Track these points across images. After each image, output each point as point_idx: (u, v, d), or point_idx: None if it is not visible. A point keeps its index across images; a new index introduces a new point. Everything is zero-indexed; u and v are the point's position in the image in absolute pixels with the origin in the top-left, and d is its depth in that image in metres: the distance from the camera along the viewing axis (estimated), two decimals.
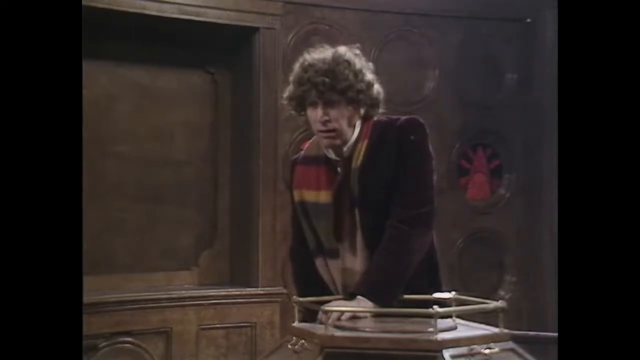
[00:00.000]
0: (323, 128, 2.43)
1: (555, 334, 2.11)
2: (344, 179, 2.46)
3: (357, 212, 2.43)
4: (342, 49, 2.46)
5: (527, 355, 2.09)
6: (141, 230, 4.81)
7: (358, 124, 2.49)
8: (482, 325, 2.17)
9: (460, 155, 5.31)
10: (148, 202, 4.82)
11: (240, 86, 4.93)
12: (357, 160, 2.44)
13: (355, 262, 2.44)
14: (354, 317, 2.23)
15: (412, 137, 2.44)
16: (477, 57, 5.28)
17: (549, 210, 5.11)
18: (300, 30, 4.83)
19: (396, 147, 2.43)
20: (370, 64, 2.51)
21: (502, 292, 5.20)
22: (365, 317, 2.24)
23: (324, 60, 2.42)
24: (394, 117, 2.52)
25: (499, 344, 2.05)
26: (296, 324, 2.24)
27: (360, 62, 2.46)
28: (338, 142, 2.46)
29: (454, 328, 2.12)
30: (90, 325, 4.00)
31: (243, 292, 4.67)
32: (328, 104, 2.41)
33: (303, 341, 2.11)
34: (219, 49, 4.95)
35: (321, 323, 2.15)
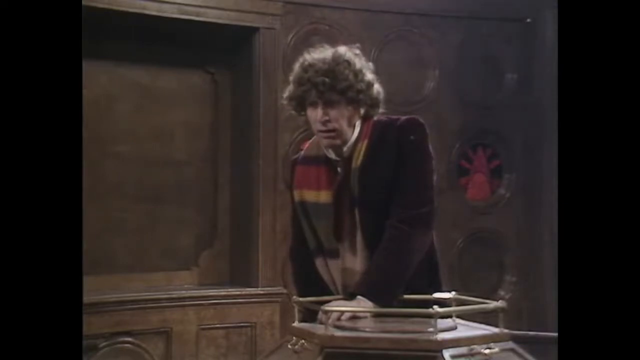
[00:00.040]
0: (323, 128, 2.43)
1: (555, 334, 2.11)
2: (344, 179, 2.46)
3: (357, 212, 2.43)
4: (342, 49, 2.46)
5: (527, 355, 2.09)
6: (141, 230, 4.81)
7: (358, 124, 2.49)
8: (482, 325, 2.17)
9: (460, 155, 5.31)
10: (148, 202, 4.82)
11: (240, 86, 4.93)
12: (357, 160, 2.44)
13: (355, 262, 2.44)
14: (354, 317, 2.23)
15: (412, 137, 2.44)
16: (477, 57, 5.28)
17: (549, 210, 5.11)
18: (300, 30, 4.83)
19: (396, 147, 2.43)
20: (370, 64, 2.51)
21: (502, 292, 5.20)
22: (365, 317, 2.24)
23: (324, 60, 2.42)
24: (394, 117, 2.52)
25: (499, 344, 2.05)
26: (296, 324, 2.24)
27: (360, 62, 2.46)
28: (338, 142, 2.46)
29: (454, 328, 2.12)
30: (90, 325, 4.00)
31: (243, 292, 4.67)
32: (328, 104, 2.41)
33: (303, 341, 2.11)
34: (219, 49, 4.95)
35: (321, 323, 2.15)
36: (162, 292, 4.58)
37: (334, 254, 2.49)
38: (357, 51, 2.49)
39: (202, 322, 4.55)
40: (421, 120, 2.50)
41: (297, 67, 2.47)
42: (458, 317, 2.24)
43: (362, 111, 2.47)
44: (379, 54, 4.92)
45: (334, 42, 2.61)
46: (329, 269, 2.52)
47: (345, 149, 2.47)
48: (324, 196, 2.48)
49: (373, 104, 2.48)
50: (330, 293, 2.49)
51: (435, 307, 2.01)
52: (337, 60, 2.42)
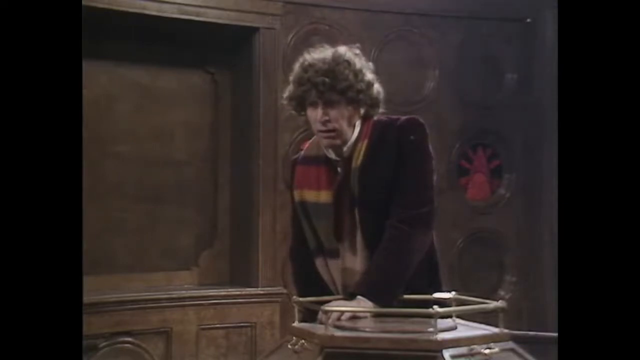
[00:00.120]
0: (323, 128, 2.43)
1: (555, 334, 2.11)
2: (344, 178, 2.46)
3: (357, 212, 2.43)
4: (342, 49, 2.46)
5: (527, 355, 2.09)
6: (141, 230, 4.81)
7: (358, 123, 2.49)
8: (482, 325, 2.17)
9: (460, 155, 5.31)
10: (148, 202, 4.82)
11: (240, 86, 4.93)
12: (357, 160, 2.44)
13: (355, 262, 2.44)
14: (354, 317, 2.23)
15: (412, 137, 2.44)
16: (477, 57, 5.28)
17: (549, 210, 5.11)
18: (300, 30, 4.83)
19: (396, 147, 2.43)
20: (370, 64, 2.51)
21: (502, 292, 5.20)
22: (365, 317, 2.24)
23: (324, 60, 2.42)
24: (394, 117, 2.51)
25: (499, 344, 2.05)
26: (296, 324, 2.24)
27: (360, 62, 2.46)
28: (338, 142, 2.46)
29: (454, 328, 2.12)
30: (90, 325, 4.00)
31: (243, 292, 4.67)
32: (328, 104, 2.41)
33: (303, 341, 2.11)
34: (219, 49, 4.95)
35: (321, 323, 2.15)
36: (162, 292, 4.58)
37: (334, 254, 2.49)
38: (357, 51, 2.49)
39: (202, 322, 4.55)
40: (421, 120, 2.50)
41: (297, 67, 2.47)
42: (458, 317, 2.24)
43: (362, 111, 2.47)
44: (379, 54, 4.91)
45: (334, 42, 2.61)
46: (329, 269, 2.52)
47: (345, 149, 2.47)
48: (324, 196, 2.48)
49: (373, 104, 2.48)
50: (330, 293, 2.49)
51: (435, 307, 2.00)
52: (337, 60, 2.42)
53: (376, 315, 2.25)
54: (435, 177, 2.49)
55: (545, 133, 5.20)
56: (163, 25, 4.51)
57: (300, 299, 2.32)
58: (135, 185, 4.80)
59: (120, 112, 4.77)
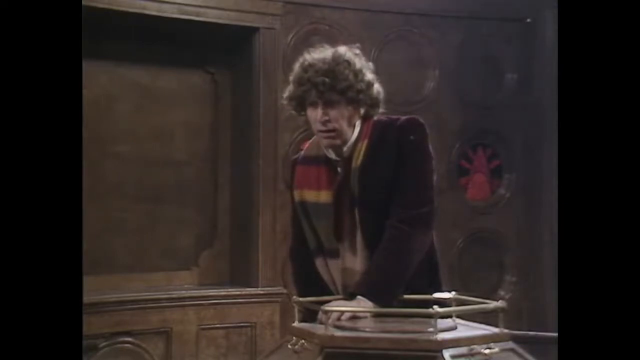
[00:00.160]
0: (323, 128, 2.43)
1: (555, 334, 2.11)
2: (344, 178, 2.46)
3: (357, 212, 2.43)
4: (342, 49, 2.46)
5: (527, 355, 2.09)
6: (141, 230, 4.81)
7: (358, 123, 2.49)
8: (482, 325, 2.17)
9: (460, 155, 5.31)
10: (148, 202, 4.82)
11: (240, 86, 4.93)
12: (357, 160, 2.44)
13: (355, 262, 2.44)
14: (354, 317, 2.23)
15: (412, 137, 2.44)
16: (477, 57, 5.28)
17: (549, 210, 5.11)
18: (300, 30, 4.83)
19: (396, 147, 2.43)
20: (370, 64, 2.51)
21: (502, 292, 5.20)
22: (365, 317, 2.24)
23: (324, 60, 2.42)
24: (394, 117, 2.52)
25: (499, 344, 2.05)
26: (296, 324, 2.24)
27: (360, 62, 2.46)
28: (338, 142, 2.46)
29: (454, 328, 2.12)
30: (90, 325, 4.00)
31: (243, 292, 4.67)
32: (328, 104, 2.41)
33: (303, 341, 2.11)
34: (219, 49, 4.95)
35: (321, 323, 2.15)
36: (162, 292, 4.58)
37: (334, 254, 2.49)
38: (357, 51, 2.49)
39: (202, 322, 4.55)
40: (421, 120, 2.50)
41: (297, 67, 2.47)
42: (458, 317, 2.24)
43: (362, 111, 2.47)
44: (379, 54, 4.91)
45: (334, 42, 2.61)
46: (329, 269, 2.52)
47: (345, 149, 2.47)
48: (324, 196, 2.48)
49: (373, 104, 2.48)
50: (330, 293, 2.49)
51: (435, 307, 2.00)
52: (337, 60, 2.42)
53: (376, 315, 2.25)
54: (435, 177, 2.49)
55: (545, 133, 5.20)
56: (163, 25, 4.51)
57: (300, 299, 2.32)
58: (135, 185, 4.80)
59: (120, 112, 4.77)
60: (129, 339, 4.35)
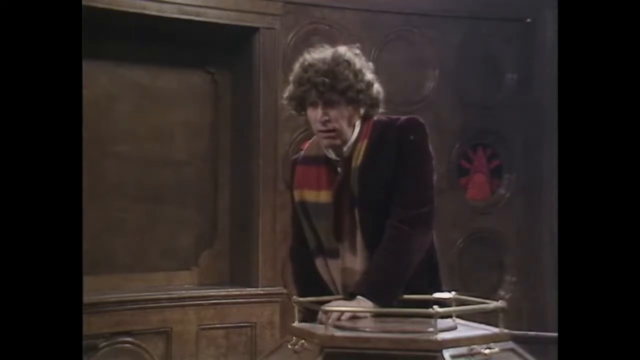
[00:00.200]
0: (323, 128, 2.43)
1: (555, 334, 2.11)
2: (344, 178, 2.46)
3: (357, 212, 2.43)
4: (342, 49, 2.46)
5: (527, 355, 2.09)
6: (141, 230, 4.81)
7: (358, 123, 2.48)
8: (482, 325, 2.17)
9: (460, 155, 5.31)
10: (148, 202, 4.82)
11: (240, 86, 4.93)
12: (357, 160, 2.44)
13: (355, 262, 2.44)
14: (354, 317, 2.23)
15: (412, 137, 2.44)
16: (477, 57, 5.28)
17: (549, 210, 5.11)
18: (300, 30, 4.83)
19: (396, 147, 2.43)
20: (370, 64, 2.51)
21: (502, 292, 5.20)
22: (365, 317, 2.24)
23: (323, 60, 2.42)
24: (394, 117, 2.51)
25: (499, 344, 2.05)
26: (296, 324, 2.24)
27: (360, 62, 2.46)
28: (338, 142, 2.46)
29: (454, 328, 2.12)
30: (90, 325, 4.00)
31: (243, 292, 4.67)
32: (328, 104, 2.41)
33: (303, 341, 2.11)
34: (219, 49, 4.95)
35: (321, 323, 2.15)
36: (162, 292, 4.58)
37: (334, 254, 2.49)
38: (357, 51, 2.49)
39: (202, 322, 4.55)
40: (421, 120, 2.50)
41: (297, 67, 2.47)
42: (458, 317, 2.24)
43: (362, 111, 2.47)
44: (379, 54, 4.91)
45: (334, 42, 2.61)
46: (329, 269, 2.52)
47: (345, 148, 2.47)
48: (324, 196, 2.48)
49: (373, 104, 2.48)
50: (330, 293, 2.49)
51: (435, 307, 2.00)
52: (337, 60, 2.42)
53: (376, 315, 2.25)
54: (435, 177, 2.49)
55: (545, 133, 5.19)
56: (163, 25, 4.51)
57: (300, 299, 2.32)
58: (135, 185, 4.80)
59: (120, 112, 4.77)
60: (129, 339, 4.35)
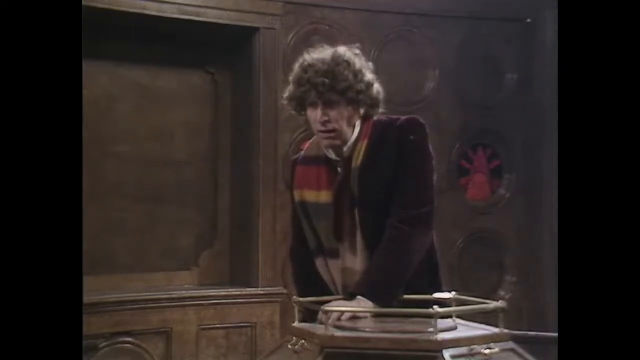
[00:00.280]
0: (323, 128, 2.43)
1: (555, 334, 2.11)
2: (344, 178, 2.46)
3: (357, 212, 2.43)
4: (341, 49, 2.46)
5: (527, 355, 2.09)
6: (141, 230, 4.81)
7: (358, 123, 2.48)
8: (482, 325, 2.17)
9: (460, 155, 5.31)
10: (148, 202, 4.82)
11: (240, 86, 4.93)
12: (357, 160, 2.44)
13: (355, 262, 2.44)
14: (354, 317, 2.23)
15: (412, 137, 2.44)
16: (477, 57, 5.28)
17: (549, 210, 5.11)
18: (300, 30, 4.83)
19: (396, 147, 2.43)
20: (370, 64, 2.51)
21: (502, 292, 5.20)
22: (365, 317, 2.24)
23: (323, 61, 2.41)
24: (394, 117, 2.51)
25: (499, 344, 2.05)
26: (296, 324, 2.24)
27: (359, 62, 2.46)
28: (338, 142, 2.45)
29: (454, 328, 2.12)
30: (90, 325, 4.00)
31: (243, 292, 4.67)
32: (327, 105, 2.41)
33: (303, 341, 2.11)
34: (219, 49, 4.95)
35: (321, 323, 2.15)
36: (162, 292, 4.58)
37: (334, 254, 2.49)
38: (357, 51, 2.49)
39: (202, 322, 4.55)
40: (421, 120, 2.50)
41: (296, 67, 2.47)
42: (458, 317, 2.24)
43: (361, 111, 2.47)
44: (379, 54, 4.91)
45: (334, 42, 2.61)
46: (329, 269, 2.52)
47: (345, 149, 2.47)
48: (324, 196, 2.48)
49: (373, 104, 2.48)
50: (330, 293, 2.49)
51: (435, 307, 2.00)
52: (337, 60, 2.42)
53: (376, 315, 2.25)
54: (435, 177, 2.49)
55: (545, 133, 5.20)
56: (163, 25, 4.52)
57: (300, 299, 2.32)
58: (135, 185, 4.80)
59: (120, 112, 4.78)
60: (129, 339, 4.35)
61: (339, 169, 2.49)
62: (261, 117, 4.70)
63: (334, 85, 2.39)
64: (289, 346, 2.14)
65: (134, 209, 4.78)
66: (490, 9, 5.24)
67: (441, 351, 1.95)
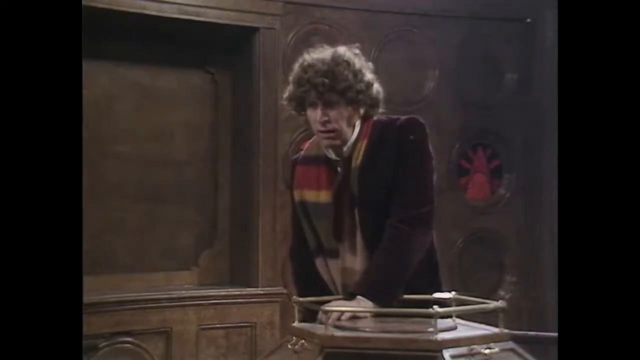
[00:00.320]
0: (323, 128, 2.43)
1: (555, 334, 2.11)
2: (344, 178, 2.46)
3: (357, 212, 2.43)
4: (341, 49, 2.46)
5: (527, 355, 2.09)
6: (141, 230, 4.81)
7: (358, 123, 2.48)
8: (482, 325, 2.17)
9: (460, 155, 5.31)
10: (148, 202, 4.82)
11: (240, 86, 4.93)
12: (357, 160, 2.44)
13: (355, 262, 2.44)
14: (354, 317, 2.23)
15: (412, 137, 2.44)
16: (477, 57, 5.28)
17: (549, 210, 5.11)
18: (300, 30, 4.83)
19: (396, 147, 2.43)
20: (370, 64, 2.51)
21: (502, 292, 5.20)
22: (365, 317, 2.24)
23: (323, 61, 2.41)
24: (394, 117, 2.51)
25: (499, 344, 2.05)
26: (296, 324, 2.24)
27: (359, 62, 2.46)
28: (338, 142, 2.45)
29: (454, 328, 2.12)
30: (90, 325, 4.00)
31: (243, 292, 4.67)
32: (327, 105, 2.41)
33: (303, 341, 2.11)
34: (219, 49, 4.95)
35: (321, 323, 2.15)
36: (162, 292, 4.58)
37: (334, 254, 2.49)
38: (357, 51, 2.49)
39: (202, 322, 4.55)
40: (421, 120, 2.50)
41: (296, 67, 2.47)
42: (458, 317, 2.24)
43: (361, 111, 2.47)
44: (379, 54, 4.91)
45: (334, 42, 2.61)
46: (329, 269, 2.52)
47: (345, 149, 2.47)
48: (324, 196, 2.48)
49: (373, 104, 2.48)
50: (330, 293, 2.49)
51: (435, 307, 2.01)
52: (337, 60, 2.42)
53: (376, 315, 2.25)
54: (435, 177, 2.49)
55: (545, 133, 5.19)
56: (163, 25, 4.52)
57: (300, 299, 2.32)
58: (135, 185, 4.80)
59: (120, 112, 4.77)
60: (129, 339, 4.35)
61: (339, 169, 2.49)
62: (261, 117, 4.70)
63: (334, 86, 2.39)
64: (289, 346, 2.14)
65: (134, 209, 4.78)
66: (490, 9, 5.24)
67: (441, 351, 1.95)
